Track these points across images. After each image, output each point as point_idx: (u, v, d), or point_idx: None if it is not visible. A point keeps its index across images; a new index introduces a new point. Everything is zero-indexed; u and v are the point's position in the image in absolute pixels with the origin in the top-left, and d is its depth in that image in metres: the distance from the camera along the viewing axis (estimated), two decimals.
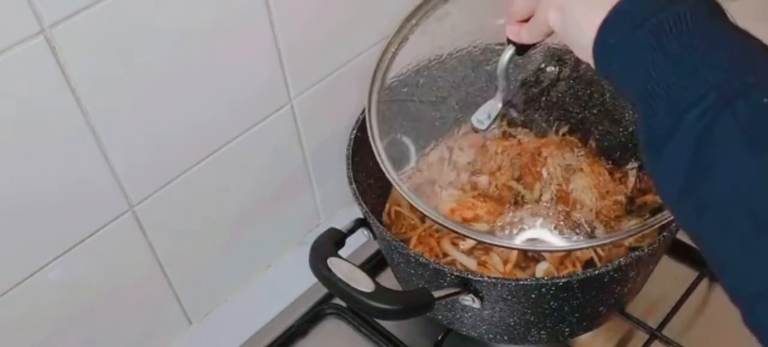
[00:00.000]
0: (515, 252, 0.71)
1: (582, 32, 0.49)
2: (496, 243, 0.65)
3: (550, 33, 0.57)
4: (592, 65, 0.50)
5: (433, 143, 0.84)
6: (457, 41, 0.82)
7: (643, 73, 0.43)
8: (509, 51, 0.64)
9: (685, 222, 0.44)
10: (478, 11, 0.82)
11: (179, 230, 0.76)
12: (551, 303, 0.64)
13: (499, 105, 0.68)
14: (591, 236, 0.73)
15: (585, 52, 0.49)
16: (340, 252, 0.63)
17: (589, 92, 0.82)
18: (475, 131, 0.69)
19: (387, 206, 0.81)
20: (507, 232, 0.72)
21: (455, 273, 0.62)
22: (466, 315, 0.69)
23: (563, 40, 0.53)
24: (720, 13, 0.45)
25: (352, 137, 0.75)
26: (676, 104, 0.41)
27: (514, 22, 0.61)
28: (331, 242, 0.65)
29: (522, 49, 0.63)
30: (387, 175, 0.67)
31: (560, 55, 0.75)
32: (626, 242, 0.72)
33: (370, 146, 0.77)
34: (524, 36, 0.60)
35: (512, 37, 0.62)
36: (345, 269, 0.60)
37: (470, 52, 0.84)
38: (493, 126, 0.67)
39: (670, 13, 0.43)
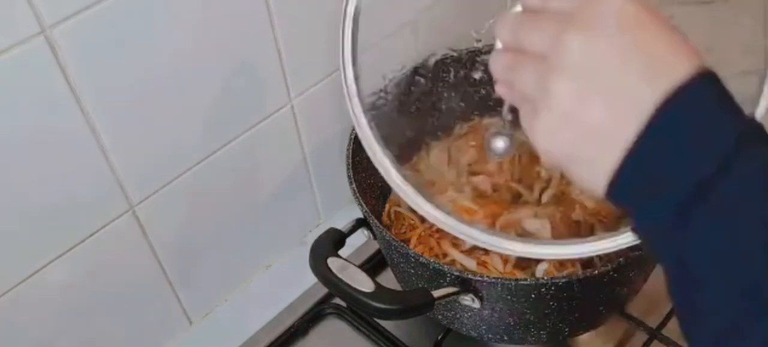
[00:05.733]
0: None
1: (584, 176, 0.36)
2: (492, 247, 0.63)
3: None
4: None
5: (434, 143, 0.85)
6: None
7: (672, 264, 0.33)
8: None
9: None
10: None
11: (179, 230, 0.76)
12: (551, 303, 0.64)
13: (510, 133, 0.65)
14: (590, 236, 0.73)
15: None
16: (340, 252, 0.63)
17: None
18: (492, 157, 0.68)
19: (387, 206, 0.81)
20: (506, 232, 0.72)
21: (455, 273, 0.62)
22: (465, 315, 0.69)
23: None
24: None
25: (352, 136, 0.75)
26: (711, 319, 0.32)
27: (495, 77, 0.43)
28: (331, 242, 0.64)
29: None
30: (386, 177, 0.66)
31: None
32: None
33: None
34: (501, 92, 0.42)
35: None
36: (345, 269, 0.60)
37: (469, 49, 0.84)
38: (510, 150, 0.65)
39: (723, 178, 0.31)
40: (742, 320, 0.30)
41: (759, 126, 0.32)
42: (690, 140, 0.31)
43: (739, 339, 0.30)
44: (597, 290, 0.65)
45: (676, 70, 0.32)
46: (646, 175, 0.32)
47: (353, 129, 0.75)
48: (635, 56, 0.32)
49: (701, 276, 0.31)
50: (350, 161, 0.72)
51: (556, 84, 0.34)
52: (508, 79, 0.39)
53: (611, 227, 0.74)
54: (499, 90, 0.42)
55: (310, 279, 0.63)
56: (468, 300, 0.63)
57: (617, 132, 0.32)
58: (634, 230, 0.35)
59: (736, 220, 0.31)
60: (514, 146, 0.58)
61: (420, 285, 0.68)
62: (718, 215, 0.31)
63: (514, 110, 0.43)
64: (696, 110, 0.31)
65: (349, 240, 0.67)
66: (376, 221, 0.66)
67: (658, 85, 0.31)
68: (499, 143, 0.59)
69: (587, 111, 0.33)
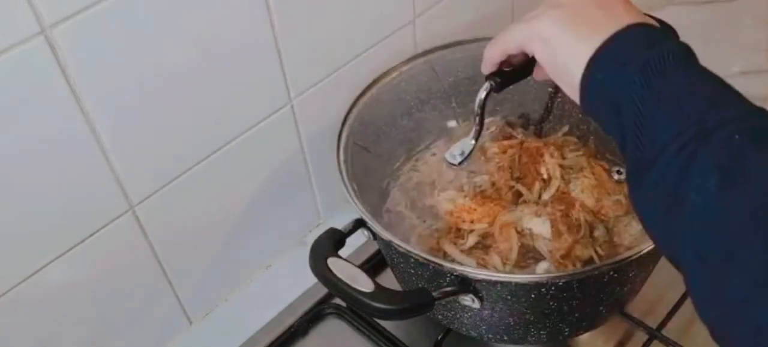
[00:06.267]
0: (515, 252, 0.71)
1: (569, 67, 0.51)
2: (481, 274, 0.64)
3: (515, 52, 0.58)
4: (576, 99, 0.52)
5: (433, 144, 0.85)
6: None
7: (631, 108, 0.46)
8: (486, 87, 0.63)
9: (662, 247, 0.47)
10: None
11: (179, 231, 0.76)
12: (551, 303, 0.64)
13: (473, 142, 0.68)
14: (591, 236, 0.73)
15: (569, 86, 0.52)
16: (340, 252, 0.63)
17: None
18: (449, 165, 0.70)
19: (386, 204, 0.81)
20: (506, 232, 0.72)
21: (455, 273, 0.62)
22: (465, 314, 0.69)
23: (548, 72, 0.55)
24: (694, 56, 0.48)
25: (341, 139, 0.75)
26: (660, 136, 0.45)
27: (490, 61, 0.62)
28: (331, 242, 0.64)
29: (499, 87, 0.63)
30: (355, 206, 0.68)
31: None
32: (626, 242, 0.73)
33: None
34: (489, 51, 0.60)
35: (484, 70, 0.63)
36: (345, 269, 0.60)
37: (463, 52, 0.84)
38: (465, 163, 0.69)
39: (655, 53, 0.47)
40: (691, 147, 0.43)
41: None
42: (636, 39, 0.49)
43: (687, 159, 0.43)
44: (597, 290, 0.65)
45: (624, 20, 0.50)
46: (612, 57, 0.49)
47: (341, 131, 0.75)
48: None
49: (650, 119, 0.46)
50: (344, 164, 0.72)
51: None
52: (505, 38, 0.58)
53: (611, 225, 0.74)
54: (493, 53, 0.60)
55: (310, 279, 0.63)
56: (468, 300, 0.63)
57: (593, 38, 0.50)
58: (590, 100, 0.51)
59: (671, 75, 0.47)
60: (470, 157, 0.68)
61: (420, 285, 0.68)
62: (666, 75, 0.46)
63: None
64: (636, 33, 0.49)
65: (349, 240, 0.67)
66: (374, 221, 0.66)
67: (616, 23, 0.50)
68: (456, 152, 0.64)
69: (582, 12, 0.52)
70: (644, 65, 0.46)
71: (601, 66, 0.49)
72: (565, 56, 0.52)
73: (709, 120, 0.43)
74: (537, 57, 0.55)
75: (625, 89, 0.47)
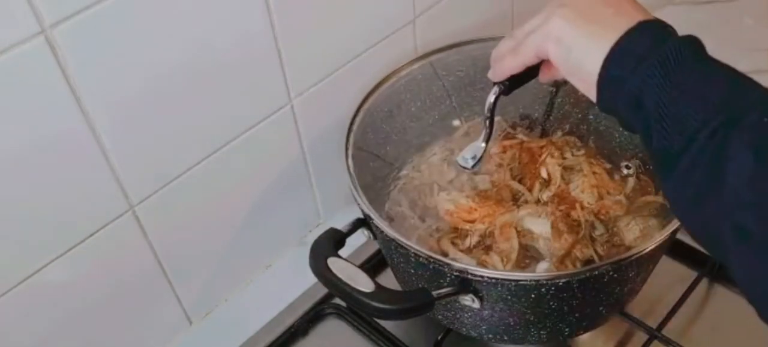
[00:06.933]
0: (515, 252, 0.71)
1: (583, 64, 0.53)
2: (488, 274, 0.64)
3: (535, 62, 0.59)
4: (591, 96, 0.53)
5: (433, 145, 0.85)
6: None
7: (654, 100, 0.48)
8: (495, 91, 0.64)
9: (698, 234, 0.48)
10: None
11: (179, 230, 0.76)
12: (551, 303, 0.64)
13: (483, 145, 0.68)
14: (591, 236, 0.73)
15: (585, 84, 0.53)
16: (340, 252, 0.63)
17: None
18: (461, 169, 0.71)
19: (386, 205, 0.81)
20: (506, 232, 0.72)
21: (455, 273, 0.62)
22: (465, 315, 0.69)
23: (561, 71, 0.56)
24: (704, 48, 0.50)
25: (350, 136, 0.75)
26: (688, 125, 0.46)
27: (499, 63, 0.62)
28: (331, 242, 0.64)
29: (508, 89, 0.63)
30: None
31: None
32: (626, 242, 0.73)
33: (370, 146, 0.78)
34: (508, 63, 0.60)
35: (496, 78, 0.63)
36: (345, 269, 0.60)
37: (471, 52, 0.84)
38: (477, 166, 0.69)
39: (670, 48, 0.48)
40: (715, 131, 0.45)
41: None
42: (650, 35, 0.50)
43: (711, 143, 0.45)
44: (597, 290, 0.65)
45: (635, 18, 0.51)
46: (628, 53, 0.50)
47: (351, 128, 0.75)
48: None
49: (674, 110, 0.47)
50: (349, 160, 0.72)
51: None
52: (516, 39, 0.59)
53: (611, 225, 0.74)
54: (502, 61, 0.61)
55: (310, 279, 0.63)
56: (468, 300, 0.63)
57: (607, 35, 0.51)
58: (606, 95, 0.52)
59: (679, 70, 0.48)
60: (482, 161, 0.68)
61: (420, 285, 0.68)
62: (684, 67, 0.48)
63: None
64: (648, 28, 0.51)
65: (349, 240, 0.67)
66: (377, 219, 0.66)
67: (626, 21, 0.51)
68: (468, 155, 0.64)
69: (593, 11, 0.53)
70: (663, 59, 0.48)
71: (618, 63, 0.50)
72: (579, 54, 0.53)
73: (734, 106, 0.45)
74: (550, 57, 0.55)
75: (645, 84, 0.48)
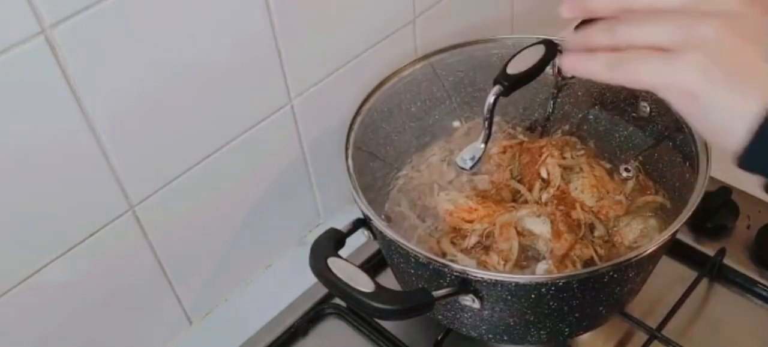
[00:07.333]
0: (515, 252, 0.71)
1: (725, 126, 0.46)
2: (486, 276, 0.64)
3: (639, 91, 0.54)
4: (729, 150, 0.46)
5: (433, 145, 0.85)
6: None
7: None
8: (495, 92, 0.63)
9: None
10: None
11: (179, 230, 0.76)
12: (551, 303, 0.64)
13: (482, 146, 0.68)
14: (591, 236, 0.73)
15: (723, 141, 0.47)
16: (340, 252, 0.63)
17: (588, 91, 0.83)
18: (461, 170, 0.71)
19: (386, 206, 0.81)
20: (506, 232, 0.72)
21: (455, 273, 0.62)
22: (465, 315, 0.69)
23: (691, 125, 0.51)
24: None
25: (350, 136, 0.75)
26: None
27: (574, 51, 0.52)
28: (331, 242, 0.64)
29: (508, 91, 0.62)
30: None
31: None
32: (626, 243, 0.73)
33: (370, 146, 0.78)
34: (594, 66, 0.50)
35: (569, 70, 0.52)
36: (345, 269, 0.60)
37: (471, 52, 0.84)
38: (477, 167, 0.69)
39: None
40: None
41: None
42: None
43: None
44: (597, 290, 0.65)
45: None
46: None
47: (351, 128, 0.75)
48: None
49: None
50: (349, 160, 0.72)
51: (708, 26, 0.46)
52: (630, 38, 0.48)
53: (611, 225, 0.74)
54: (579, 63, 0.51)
55: (310, 279, 0.63)
56: (468, 300, 0.63)
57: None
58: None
59: None
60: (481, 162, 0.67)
61: (420, 285, 0.68)
62: None
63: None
64: None
65: (349, 240, 0.67)
66: (377, 219, 0.66)
67: None
68: (466, 156, 0.64)
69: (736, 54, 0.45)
70: None
71: None
72: (720, 115, 0.46)
73: None
74: (678, 110, 0.48)
75: None
